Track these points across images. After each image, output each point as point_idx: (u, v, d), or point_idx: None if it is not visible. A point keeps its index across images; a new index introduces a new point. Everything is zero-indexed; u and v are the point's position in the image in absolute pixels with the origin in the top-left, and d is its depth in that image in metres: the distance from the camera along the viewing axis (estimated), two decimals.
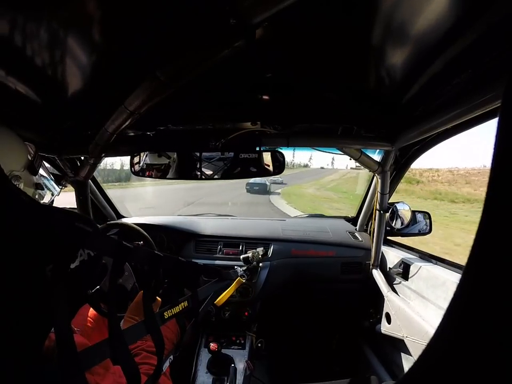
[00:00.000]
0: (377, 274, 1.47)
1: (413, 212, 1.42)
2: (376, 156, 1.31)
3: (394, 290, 1.37)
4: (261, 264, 1.43)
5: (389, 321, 1.35)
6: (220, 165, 1.09)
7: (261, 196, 14.56)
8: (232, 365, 1.24)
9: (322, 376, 1.09)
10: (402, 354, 1.27)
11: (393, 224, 1.43)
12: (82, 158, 1.29)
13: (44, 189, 0.79)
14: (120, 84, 0.78)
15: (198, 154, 1.09)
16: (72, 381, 0.35)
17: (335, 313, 1.76)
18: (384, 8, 0.51)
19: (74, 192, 1.46)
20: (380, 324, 1.43)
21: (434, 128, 0.84)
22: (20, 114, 0.87)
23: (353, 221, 1.84)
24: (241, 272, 1.29)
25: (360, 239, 1.63)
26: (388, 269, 1.46)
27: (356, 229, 1.74)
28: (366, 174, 1.74)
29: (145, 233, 1.26)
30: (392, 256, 1.45)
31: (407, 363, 1.25)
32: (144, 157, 1.13)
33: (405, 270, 1.32)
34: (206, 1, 0.48)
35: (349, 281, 1.57)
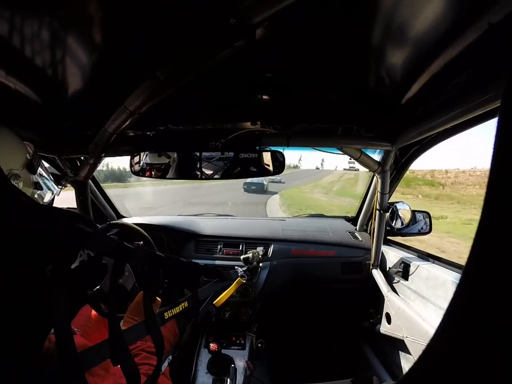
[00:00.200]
0: (377, 274, 1.47)
1: (413, 212, 1.42)
2: (376, 156, 1.31)
3: (394, 290, 1.37)
4: (261, 264, 1.43)
5: (389, 321, 1.35)
6: (219, 165, 1.09)
7: (257, 197, 14.17)
8: (232, 365, 1.24)
9: (322, 376, 1.09)
10: (402, 354, 1.27)
11: (393, 224, 1.43)
12: (82, 158, 1.29)
13: (43, 189, 0.79)
14: (120, 84, 0.78)
15: (198, 154, 1.09)
16: (72, 381, 0.35)
17: (335, 313, 1.76)
18: (384, 8, 0.51)
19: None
20: (380, 324, 1.43)
21: (434, 128, 0.84)
22: (20, 114, 0.87)
23: (353, 220, 1.84)
24: (242, 272, 1.29)
25: (360, 239, 1.63)
26: (388, 269, 1.46)
27: (355, 229, 1.74)
28: (366, 175, 1.74)
29: (145, 233, 1.26)
30: (392, 256, 1.45)
31: (407, 363, 1.25)
32: (144, 156, 1.13)
33: (405, 270, 1.32)
34: (206, 1, 0.48)
35: (349, 281, 1.57)
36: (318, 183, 26.02)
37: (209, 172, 1.09)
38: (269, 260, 1.49)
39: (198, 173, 1.09)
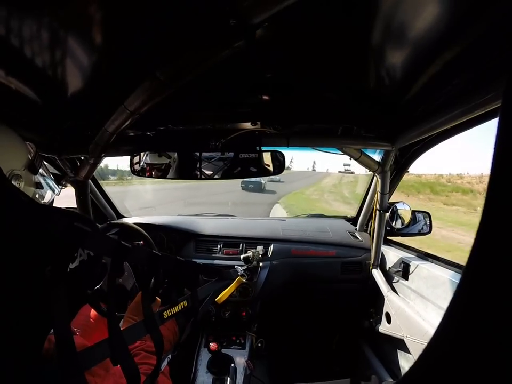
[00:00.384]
0: (377, 274, 1.47)
1: (413, 212, 1.42)
2: (377, 156, 1.31)
3: (394, 290, 1.37)
4: (261, 264, 1.43)
5: (389, 321, 1.35)
6: (220, 165, 1.09)
7: (255, 196, 13.84)
8: (232, 364, 1.24)
9: (322, 376, 1.09)
10: (402, 354, 1.27)
11: (393, 224, 1.43)
12: (82, 158, 1.29)
13: (44, 189, 0.79)
14: (120, 84, 0.78)
15: (198, 154, 1.09)
16: (72, 381, 0.35)
17: (335, 313, 1.76)
18: (384, 8, 0.51)
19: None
20: (380, 323, 1.43)
21: (434, 128, 0.84)
22: (20, 114, 0.87)
23: (353, 220, 1.84)
24: (242, 271, 1.29)
25: (360, 239, 1.63)
26: (388, 269, 1.46)
27: (356, 229, 1.74)
28: (366, 177, 1.74)
29: (145, 233, 1.26)
30: (392, 256, 1.45)
31: (407, 363, 1.25)
32: (144, 156, 1.13)
33: (405, 270, 1.32)
34: (206, 1, 0.48)
35: (349, 281, 1.57)
36: (321, 186, 24.99)
37: (209, 172, 1.09)
38: (269, 259, 1.49)
39: (198, 173, 1.09)
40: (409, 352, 1.19)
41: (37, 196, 0.76)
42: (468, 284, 0.16)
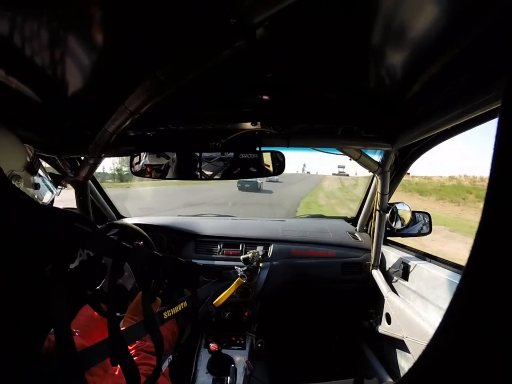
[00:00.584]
0: (377, 275, 1.47)
1: (413, 212, 1.42)
2: (377, 157, 1.31)
3: (394, 290, 1.37)
4: (261, 265, 1.43)
5: (389, 321, 1.35)
6: (219, 165, 1.09)
7: (252, 195, 13.68)
8: (232, 365, 1.24)
9: (322, 376, 1.09)
10: (402, 354, 1.27)
11: (393, 225, 1.43)
12: (82, 158, 1.29)
13: (42, 190, 0.79)
14: (120, 84, 0.78)
15: (198, 154, 1.09)
16: (71, 381, 0.35)
17: (335, 313, 1.76)
18: (384, 8, 0.51)
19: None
20: (380, 324, 1.43)
21: (434, 128, 0.84)
22: (20, 114, 0.87)
23: (353, 221, 1.84)
24: (242, 272, 1.29)
25: (360, 239, 1.63)
26: (387, 269, 1.46)
27: (356, 230, 1.73)
28: (365, 179, 1.74)
29: (145, 233, 1.26)
30: (392, 257, 1.45)
31: (407, 363, 1.25)
32: (144, 157, 1.13)
33: (405, 270, 1.32)
34: (206, 1, 0.48)
35: (349, 281, 1.57)
36: (328, 190, 22.42)
37: (209, 172, 1.09)
38: (269, 260, 1.49)
39: (198, 173, 1.09)
40: (409, 353, 1.18)
41: (36, 196, 0.76)
42: (468, 284, 0.16)
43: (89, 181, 1.45)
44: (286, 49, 0.67)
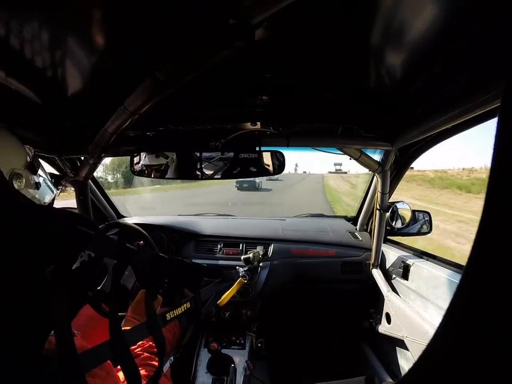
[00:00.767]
0: (378, 274, 1.46)
1: (413, 212, 1.42)
2: (377, 156, 1.31)
3: (394, 290, 1.37)
4: (261, 264, 1.43)
5: (389, 321, 1.35)
6: (219, 165, 1.09)
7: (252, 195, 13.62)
8: (232, 365, 1.24)
9: (322, 376, 1.09)
10: (402, 354, 1.27)
11: (393, 224, 1.43)
12: (82, 158, 1.29)
13: (43, 189, 0.79)
14: (120, 84, 0.78)
15: (198, 154, 1.09)
16: (71, 381, 0.35)
17: (335, 313, 1.76)
18: (384, 8, 0.51)
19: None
20: (380, 323, 1.43)
21: (434, 128, 0.84)
22: (20, 114, 0.87)
23: (353, 220, 1.84)
24: (243, 272, 1.29)
25: (360, 238, 1.63)
26: (388, 269, 1.46)
27: (356, 229, 1.73)
28: (367, 175, 1.72)
29: (145, 233, 1.26)
30: (393, 256, 1.45)
31: (407, 363, 1.25)
32: (144, 157, 1.13)
33: (405, 270, 1.32)
34: (206, 1, 0.48)
35: (349, 281, 1.57)
36: (339, 190, 19.20)
37: (209, 172, 1.09)
38: (269, 259, 1.49)
39: (198, 173, 1.09)
40: (409, 352, 1.18)
41: (36, 196, 0.76)
42: (468, 284, 0.16)
43: (89, 181, 1.45)
44: (285, 49, 0.67)
